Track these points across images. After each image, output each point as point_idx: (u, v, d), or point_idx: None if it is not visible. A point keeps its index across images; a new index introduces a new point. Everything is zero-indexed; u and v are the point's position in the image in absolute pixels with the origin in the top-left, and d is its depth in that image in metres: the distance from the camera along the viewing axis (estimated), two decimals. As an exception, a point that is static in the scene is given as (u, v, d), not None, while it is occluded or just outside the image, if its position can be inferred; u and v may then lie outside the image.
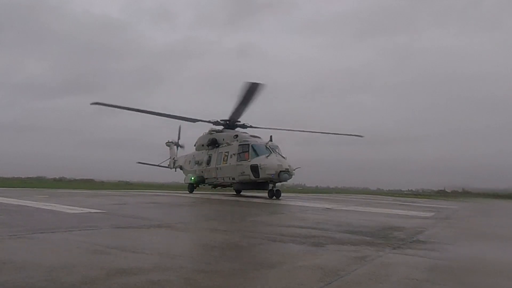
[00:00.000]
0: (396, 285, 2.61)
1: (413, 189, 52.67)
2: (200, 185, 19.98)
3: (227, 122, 19.25)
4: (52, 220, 5.51)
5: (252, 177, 15.72)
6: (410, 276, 2.88)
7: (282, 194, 16.66)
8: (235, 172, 16.64)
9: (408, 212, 10.65)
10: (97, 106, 17.88)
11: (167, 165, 25.63)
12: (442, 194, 39.47)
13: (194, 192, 19.68)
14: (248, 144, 16.46)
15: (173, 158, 25.05)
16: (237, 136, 17.74)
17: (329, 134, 18.79)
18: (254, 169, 15.52)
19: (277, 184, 16.25)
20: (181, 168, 22.68)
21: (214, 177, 18.15)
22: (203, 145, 19.63)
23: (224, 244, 3.94)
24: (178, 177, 24.91)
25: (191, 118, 18.16)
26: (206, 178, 18.80)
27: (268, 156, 15.65)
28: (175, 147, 25.58)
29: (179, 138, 25.28)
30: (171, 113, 17.42)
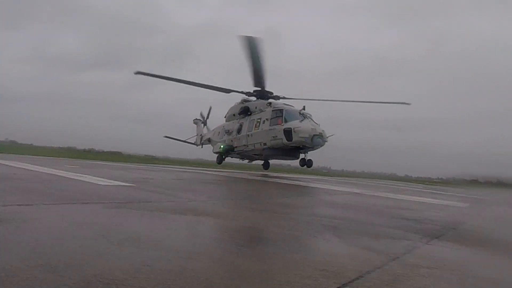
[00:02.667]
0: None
1: (444, 177, 50.71)
2: (228, 156, 19.96)
3: (260, 92, 19.00)
4: (83, 191, 5.44)
5: (285, 141, 15.56)
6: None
7: (307, 173, 16.39)
8: (267, 136, 16.50)
9: (443, 202, 10.15)
10: (136, 76, 17.75)
11: (193, 142, 25.80)
12: (475, 184, 37.84)
13: (219, 168, 19.65)
14: (282, 109, 16.33)
15: (200, 135, 25.12)
16: (270, 103, 17.58)
17: (373, 103, 18.03)
18: (287, 132, 15.36)
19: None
20: (209, 141, 22.67)
21: (244, 145, 18.03)
22: (234, 115, 19.52)
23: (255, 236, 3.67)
24: (203, 154, 25.06)
25: (225, 89, 18.03)
26: (236, 147, 18.71)
27: (301, 120, 15.52)
28: (202, 124, 25.65)
29: (207, 117, 25.26)
30: (207, 83, 17.42)
